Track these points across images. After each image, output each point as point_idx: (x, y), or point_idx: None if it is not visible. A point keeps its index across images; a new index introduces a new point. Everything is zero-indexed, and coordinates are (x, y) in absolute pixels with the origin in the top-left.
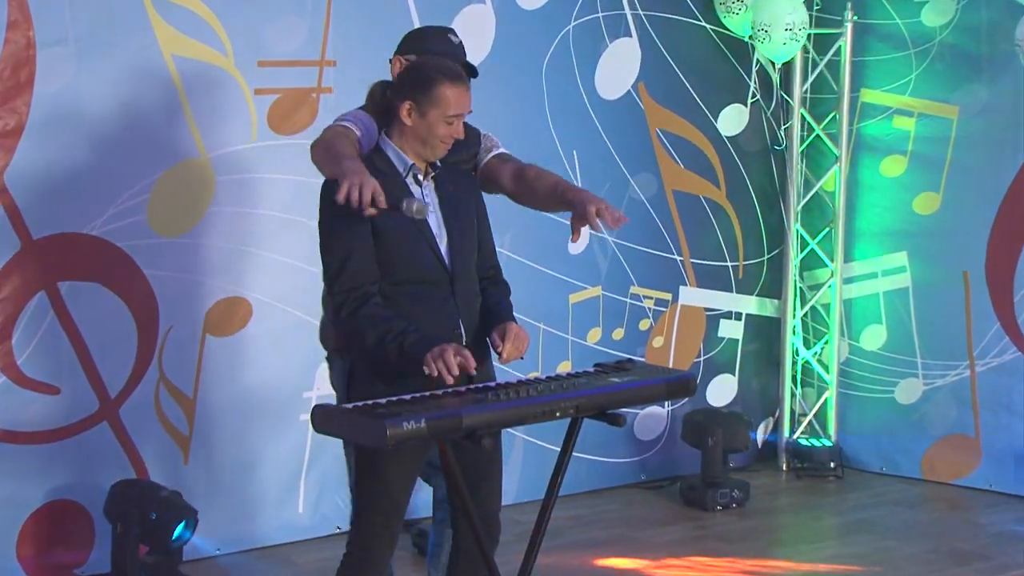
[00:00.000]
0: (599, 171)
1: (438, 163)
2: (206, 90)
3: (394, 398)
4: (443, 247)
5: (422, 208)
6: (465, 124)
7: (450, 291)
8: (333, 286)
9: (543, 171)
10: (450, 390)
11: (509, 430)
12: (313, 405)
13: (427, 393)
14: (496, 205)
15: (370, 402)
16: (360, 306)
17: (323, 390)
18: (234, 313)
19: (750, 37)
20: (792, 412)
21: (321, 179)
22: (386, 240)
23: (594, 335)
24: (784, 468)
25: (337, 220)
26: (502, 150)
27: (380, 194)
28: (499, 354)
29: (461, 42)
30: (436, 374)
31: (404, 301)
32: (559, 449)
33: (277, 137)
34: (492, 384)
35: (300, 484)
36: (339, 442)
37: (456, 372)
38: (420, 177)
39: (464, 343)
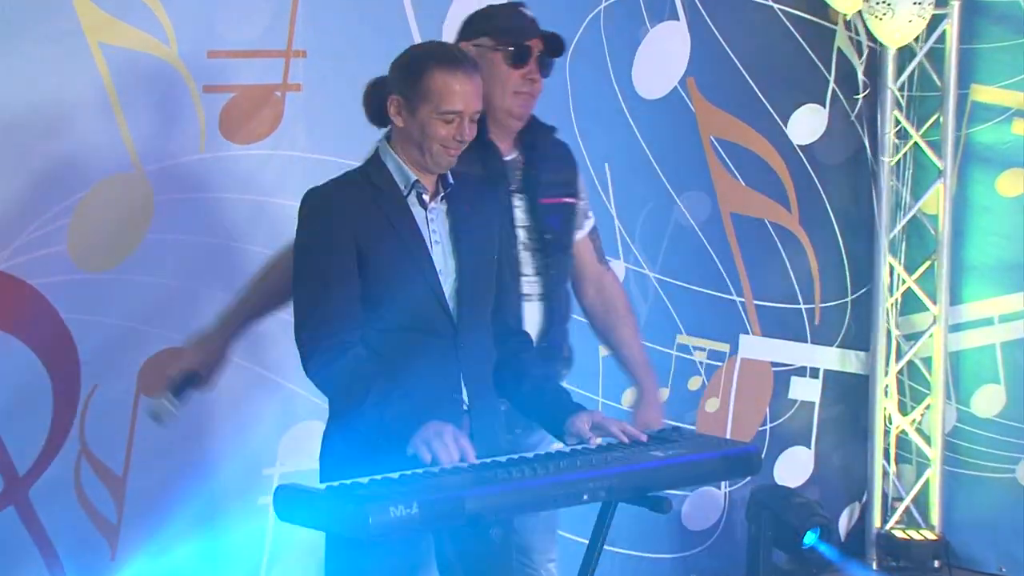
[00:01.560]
0: (637, 189)
1: (451, 178)
2: (143, 87)
3: (378, 476)
4: (447, 287)
5: (160, 411)
6: (555, 139)
7: (452, 343)
8: (301, 330)
9: (617, 297)
10: (451, 467)
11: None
12: (276, 485)
13: (420, 470)
14: None
15: (348, 481)
16: (334, 358)
17: (290, 465)
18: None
19: (857, 14)
20: (884, 496)
21: (294, 200)
22: (376, 272)
23: (630, 396)
24: (874, 566)
25: (316, 241)
26: (592, 220)
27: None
28: (589, 442)
29: (535, 18)
30: (428, 460)
31: (392, 354)
32: (587, 541)
33: (232, 147)
34: (502, 459)
35: None
36: (311, 533)
37: (456, 457)
38: (426, 198)
39: (466, 411)
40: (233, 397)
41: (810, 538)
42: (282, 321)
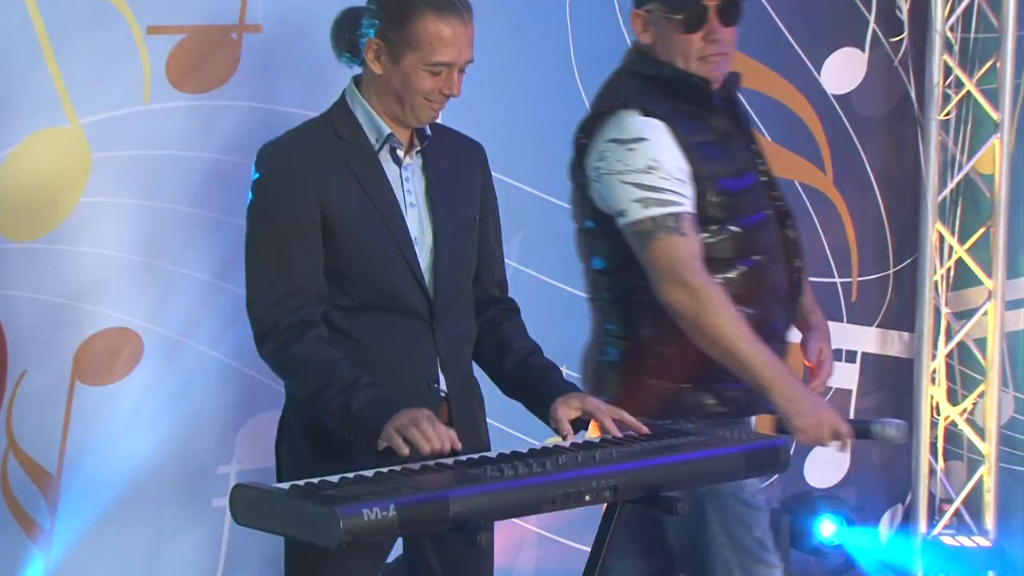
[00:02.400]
0: None
1: (428, 130)
2: (78, 29)
3: (350, 475)
4: (423, 258)
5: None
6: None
7: (428, 323)
8: (255, 307)
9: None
10: (431, 463)
11: (516, 521)
12: (233, 485)
13: (398, 467)
14: (502, 193)
15: (316, 480)
16: (293, 340)
17: (248, 463)
18: (118, 352)
19: None
20: (931, 497)
21: (253, 158)
22: (342, 241)
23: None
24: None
25: (273, 205)
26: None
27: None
28: (563, 436)
29: None
30: (405, 452)
31: (359, 335)
32: (589, 549)
33: (181, 97)
34: (491, 454)
35: None
36: (272, 539)
37: (437, 445)
38: (400, 153)
39: (444, 399)
40: (183, 384)
41: (829, 528)
42: (239, 298)
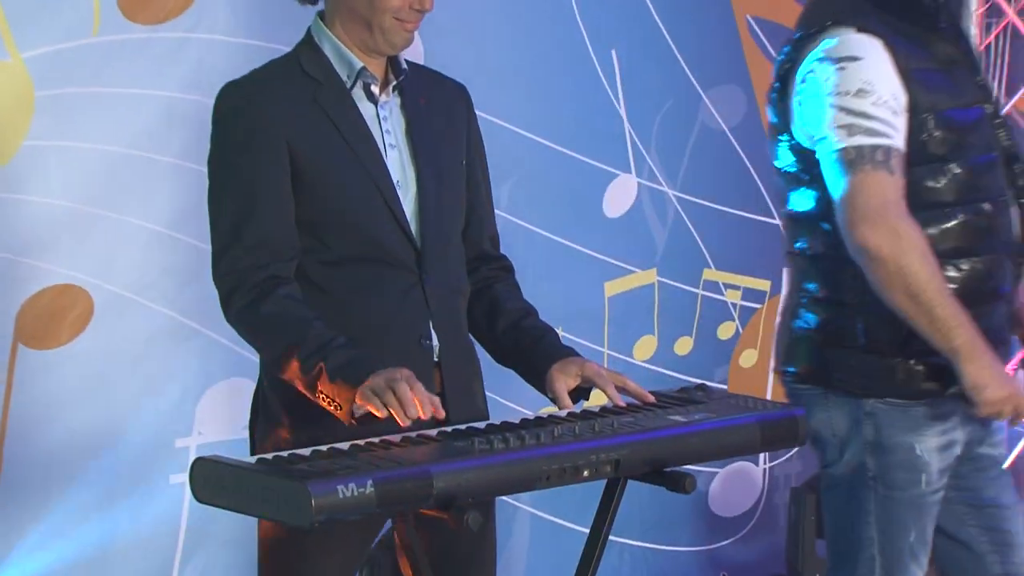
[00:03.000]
0: (653, 83)
1: (404, 63)
2: None
3: (323, 447)
4: (408, 203)
5: None
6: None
7: (417, 277)
8: (219, 262)
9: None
10: (413, 434)
11: (508, 499)
12: (193, 459)
13: (376, 440)
14: (488, 135)
15: (285, 453)
16: (262, 298)
17: (209, 435)
18: (64, 312)
19: None
20: None
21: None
22: (315, 187)
23: (645, 347)
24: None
25: (237, 150)
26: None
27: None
28: (560, 407)
29: None
30: (382, 414)
31: (339, 292)
32: (587, 530)
33: (134, 28)
34: (480, 424)
35: None
36: (237, 519)
37: (414, 414)
38: (375, 89)
39: (436, 362)
40: (136, 348)
41: None
42: (199, 252)
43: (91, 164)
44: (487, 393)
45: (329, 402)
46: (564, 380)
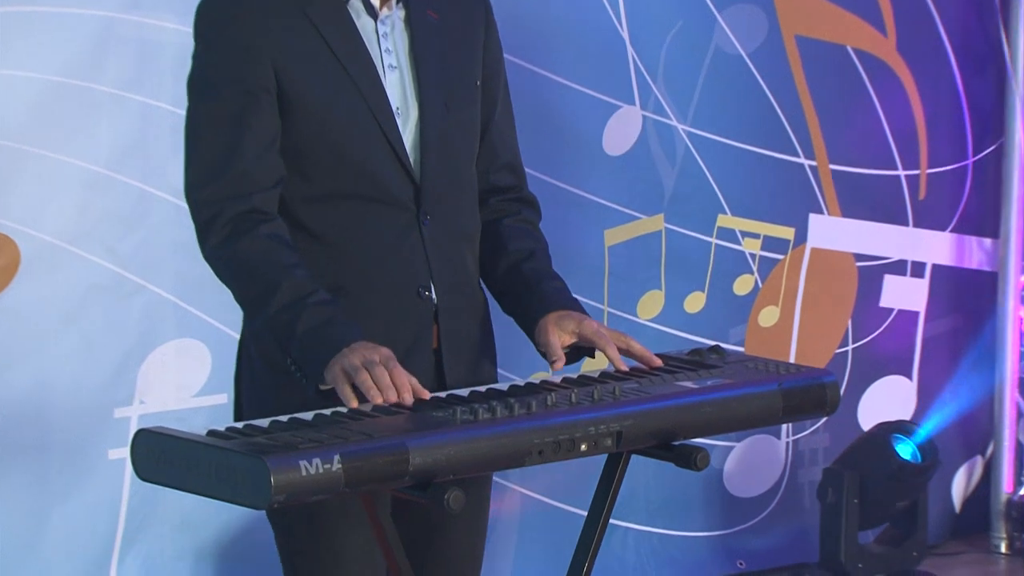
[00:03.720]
0: (659, 3)
1: None
2: None
3: (284, 418)
4: (408, 134)
5: None
6: None
7: (415, 217)
8: (196, 190)
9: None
10: (387, 404)
11: (496, 477)
12: (135, 432)
13: (344, 409)
14: None
15: (240, 424)
16: (241, 234)
17: (153, 404)
18: None
19: None
20: (1018, 447)
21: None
22: (304, 113)
23: (650, 304)
24: (1003, 547)
25: (218, 69)
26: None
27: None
28: (552, 363)
29: None
30: (352, 404)
31: (328, 234)
32: (585, 513)
33: None
34: (462, 391)
35: (110, 574)
36: (186, 499)
37: (392, 397)
38: (376, 2)
39: (434, 314)
40: (71, 306)
41: (906, 450)
42: (143, 195)
43: (17, 94)
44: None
45: (296, 368)
46: (558, 334)
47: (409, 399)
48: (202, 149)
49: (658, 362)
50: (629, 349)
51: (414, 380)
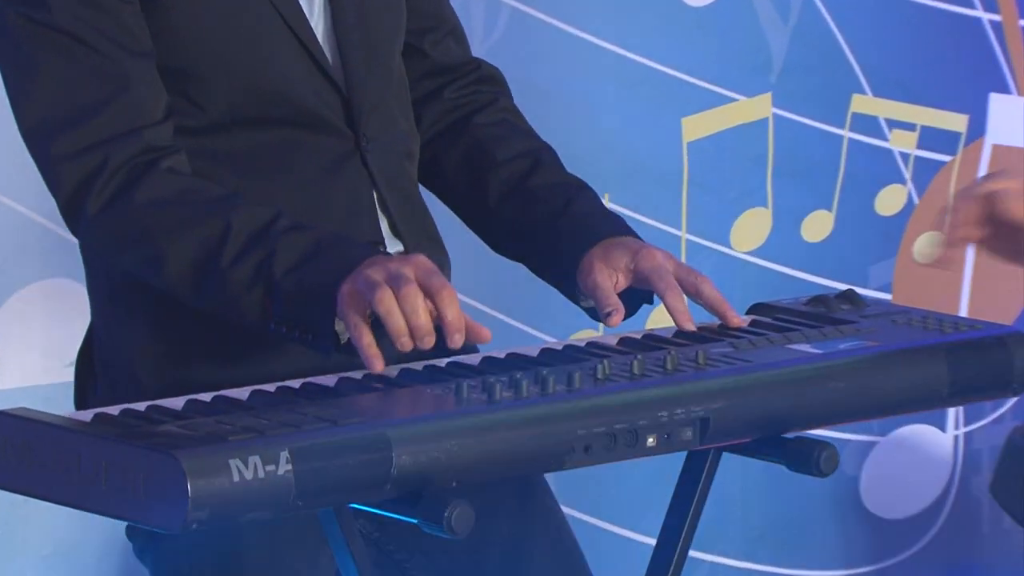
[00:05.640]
0: None
1: None
2: None
3: (204, 396)
4: (321, 29)
5: None
6: None
7: (353, 142)
8: (50, 141)
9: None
10: (358, 374)
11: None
12: None
13: (296, 383)
14: None
15: (142, 405)
16: (136, 182)
17: (9, 376)
18: None
19: None
20: None
21: None
22: (178, 18)
23: (751, 228)
24: None
25: None
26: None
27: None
28: (606, 316)
29: None
30: (409, 346)
31: (224, 178)
32: (650, 540)
33: None
34: (470, 358)
35: None
36: (58, 518)
37: (426, 338)
38: None
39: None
40: None
41: None
42: None
43: None
44: (498, 315)
45: (290, 329)
46: (608, 273)
47: (459, 340)
48: (47, 80)
49: (738, 320)
50: (698, 295)
51: (467, 317)
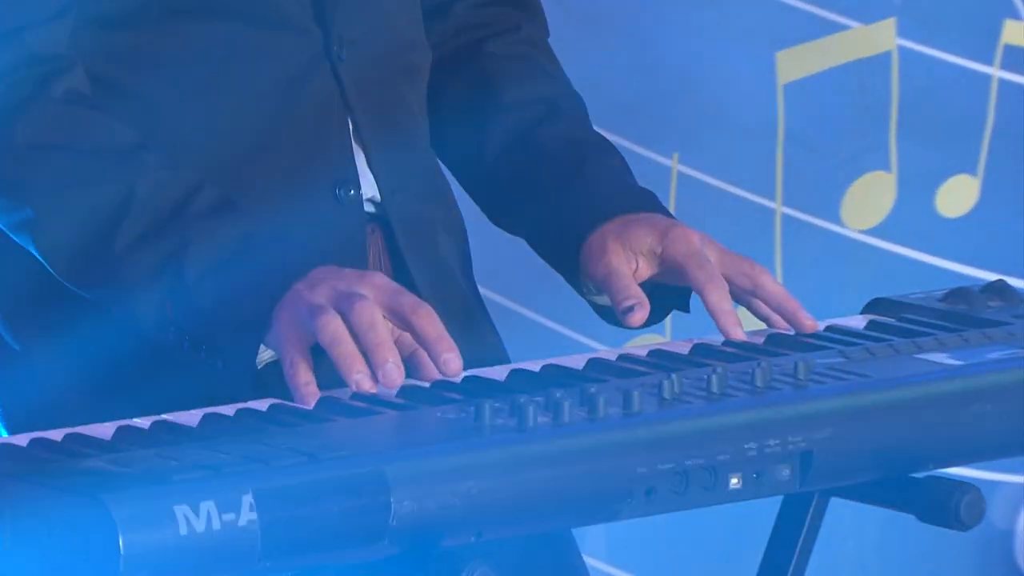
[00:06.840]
0: None
1: None
2: None
3: (142, 421)
4: None
5: None
6: None
7: (320, 46)
8: None
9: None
10: (347, 392)
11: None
12: None
13: (265, 405)
14: None
15: (59, 433)
16: (18, 107)
17: None
18: None
19: None
20: None
21: None
22: None
23: (866, 197)
24: None
25: None
26: None
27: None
28: (624, 312)
29: None
30: (366, 386)
31: (147, 91)
32: None
33: None
34: (495, 372)
35: None
36: None
37: (392, 378)
38: None
39: (372, 219)
40: None
41: None
42: None
43: None
44: (531, 314)
45: (196, 346)
46: (625, 256)
47: (454, 362)
48: None
49: (811, 323)
50: (757, 290)
51: (450, 341)
